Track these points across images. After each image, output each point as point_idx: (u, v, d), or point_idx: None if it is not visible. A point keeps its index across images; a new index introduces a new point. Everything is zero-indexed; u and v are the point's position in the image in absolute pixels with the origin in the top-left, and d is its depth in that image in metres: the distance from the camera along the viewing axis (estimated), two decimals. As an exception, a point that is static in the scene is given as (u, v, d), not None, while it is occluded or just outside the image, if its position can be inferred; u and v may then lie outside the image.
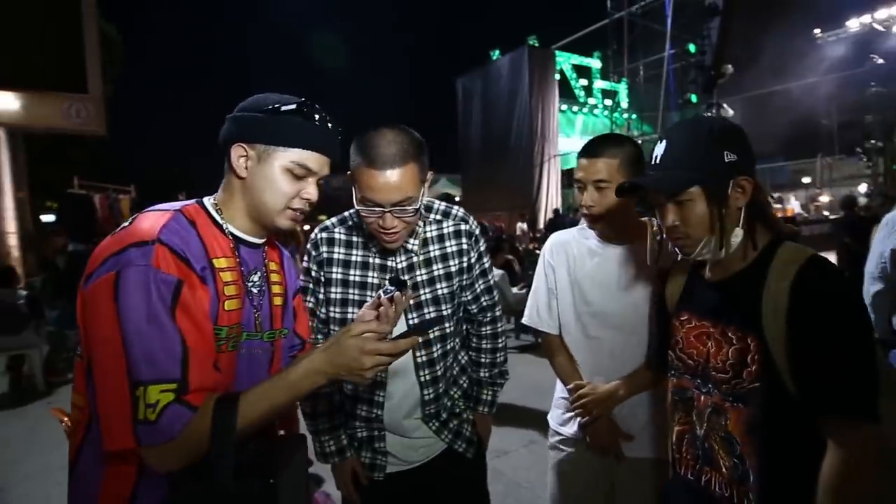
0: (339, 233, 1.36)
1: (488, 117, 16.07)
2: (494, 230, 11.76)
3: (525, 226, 13.64)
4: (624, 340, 1.41)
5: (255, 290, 0.98)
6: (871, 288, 2.11)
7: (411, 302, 1.29)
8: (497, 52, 16.03)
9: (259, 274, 1.00)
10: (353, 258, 1.32)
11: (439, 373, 1.34)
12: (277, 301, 1.05)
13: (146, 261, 0.80)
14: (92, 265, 0.83)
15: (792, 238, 1.02)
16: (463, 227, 1.38)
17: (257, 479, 0.79)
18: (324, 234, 1.36)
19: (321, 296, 1.34)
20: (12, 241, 9.70)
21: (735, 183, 0.98)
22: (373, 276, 1.30)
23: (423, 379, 1.32)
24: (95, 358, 0.80)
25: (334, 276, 1.32)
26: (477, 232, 1.41)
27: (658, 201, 1.05)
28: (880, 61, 16.03)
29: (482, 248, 1.42)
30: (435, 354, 1.33)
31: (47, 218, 16.87)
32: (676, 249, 1.06)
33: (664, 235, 1.07)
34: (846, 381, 0.88)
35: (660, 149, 1.02)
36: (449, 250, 1.35)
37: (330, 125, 0.97)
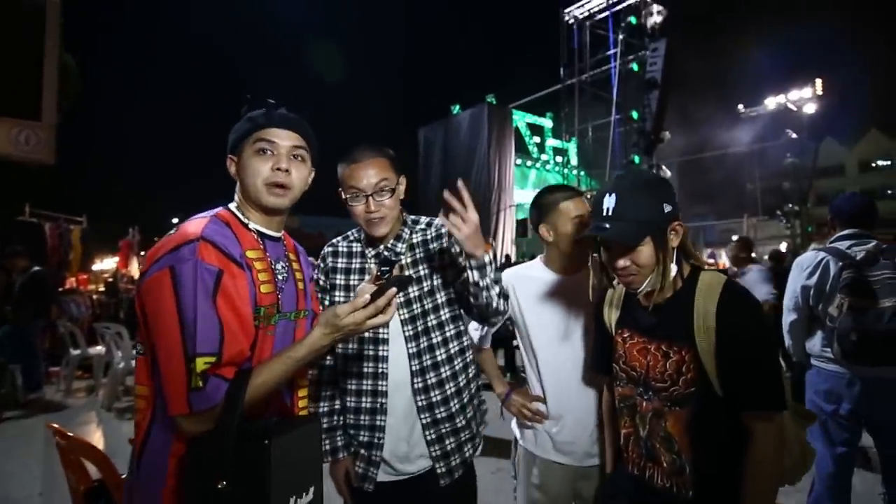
0: (342, 245, 1.54)
1: (448, 167, 16.64)
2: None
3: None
4: (568, 356, 1.58)
5: (279, 277, 1.14)
6: (787, 318, 2.40)
7: (401, 298, 1.41)
8: (458, 106, 16.86)
9: (282, 263, 1.17)
10: (353, 265, 1.49)
11: (440, 416, 1.43)
12: (300, 286, 1.21)
13: (193, 256, 0.97)
14: (147, 263, 1.00)
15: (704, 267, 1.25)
16: (444, 229, 1.47)
17: (253, 441, 0.89)
18: (329, 248, 1.56)
19: (327, 302, 1.48)
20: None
21: (671, 228, 1.18)
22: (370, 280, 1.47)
23: (424, 421, 1.42)
24: (159, 340, 0.95)
25: (338, 282, 1.49)
26: None
27: (610, 245, 1.22)
28: (794, 136, 18.14)
29: None
30: (434, 399, 1.42)
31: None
32: (623, 284, 1.23)
33: (610, 272, 1.26)
34: (763, 385, 1.12)
35: (610, 201, 1.17)
36: (433, 250, 1.48)
37: (272, 104, 1.15)
